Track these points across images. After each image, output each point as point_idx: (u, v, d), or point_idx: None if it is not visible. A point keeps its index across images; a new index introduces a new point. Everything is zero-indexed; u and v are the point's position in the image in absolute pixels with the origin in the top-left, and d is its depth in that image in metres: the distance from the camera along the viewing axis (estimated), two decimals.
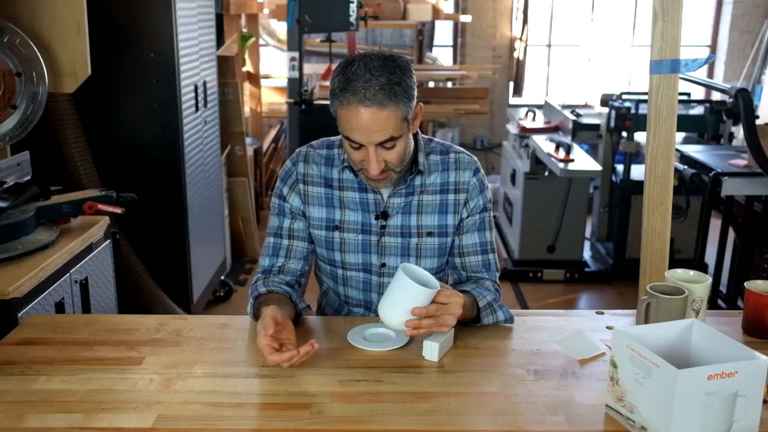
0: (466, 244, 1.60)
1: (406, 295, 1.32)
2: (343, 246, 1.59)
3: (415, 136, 1.56)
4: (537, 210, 4.33)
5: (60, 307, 1.97)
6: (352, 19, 4.40)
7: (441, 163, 1.59)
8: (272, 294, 1.50)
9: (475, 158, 1.62)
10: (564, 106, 5.05)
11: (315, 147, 1.62)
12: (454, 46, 6.73)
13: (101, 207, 2.16)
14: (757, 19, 6.40)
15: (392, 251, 1.58)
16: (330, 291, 1.70)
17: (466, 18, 6.20)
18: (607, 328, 1.51)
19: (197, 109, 3.34)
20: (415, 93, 1.43)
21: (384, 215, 1.57)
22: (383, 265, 1.59)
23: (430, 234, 1.58)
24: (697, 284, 1.43)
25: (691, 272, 1.47)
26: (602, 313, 1.60)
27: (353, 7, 4.37)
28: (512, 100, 6.64)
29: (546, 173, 4.20)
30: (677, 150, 3.67)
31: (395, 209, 1.57)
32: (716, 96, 5.17)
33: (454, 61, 6.66)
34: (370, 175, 1.47)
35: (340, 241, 1.59)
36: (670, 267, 1.57)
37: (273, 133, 6.05)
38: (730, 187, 3.19)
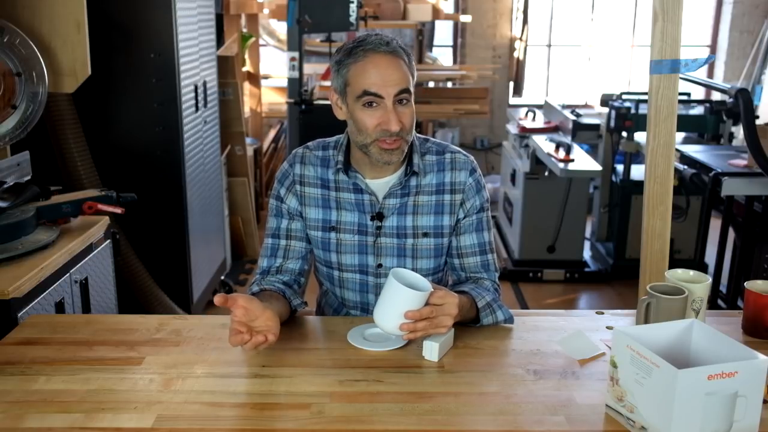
0: (465, 245, 1.60)
1: (398, 300, 1.32)
2: (339, 247, 1.59)
3: None
4: (537, 210, 4.33)
5: (60, 307, 1.97)
6: (352, 19, 4.41)
7: (437, 163, 1.59)
8: (264, 292, 1.50)
9: (472, 158, 1.62)
10: (564, 106, 5.05)
11: (311, 148, 1.62)
12: (454, 46, 6.73)
13: (101, 207, 2.16)
14: (757, 19, 6.40)
15: (388, 252, 1.58)
16: (329, 291, 1.70)
17: (466, 18, 6.20)
18: (607, 328, 1.51)
19: (197, 109, 3.34)
20: (415, 75, 1.52)
21: (379, 216, 1.56)
22: (379, 266, 1.59)
23: (425, 235, 1.58)
24: (697, 284, 1.43)
25: (691, 272, 1.47)
26: (602, 313, 1.60)
27: (353, 7, 4.37)
28: (512, 100, 6.64)
29: (546, 173, 4.20)
30: (677, 150, 3.67)
31: (390, 210, 1.57)
32: (716, 96, 5.17)
33: (454, 61, 6.66)
34: (389, 134, 1.45)
35: (337, 242, 1.59)
36: (670, 267, 1.57)
37: (273, 133, 6.05)
38: (730, 187, 3.19)
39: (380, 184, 1.57)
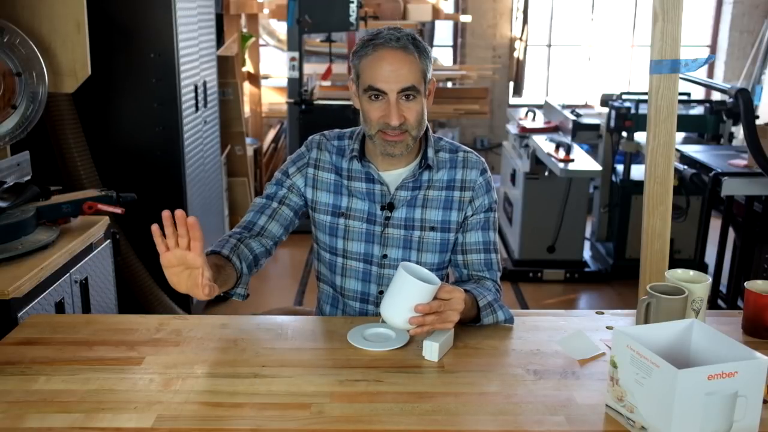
0: (469, 242, 1.61)
1: (409, 293, 1.32)
2: (346, 233, 1.61)
3: (426, 131, 1.61)
4: (537, 210, 4.33)
5: (60, 307, 1.97)
6: (352, 19, 4.41)
7: (449, 160, 1.62)
8: (228, 260, 1.45)
9: (483, 159, 1.66)
10: (564, 106, 5.05)
11: (328, 137, 1.66)
12: (454, 46, 6.73)
13: (101, 207, 2.16)
14: (757, 19, 6.40)
15: (394, 243, 1.60)
16: (327, 284, 1.70)
17: (466, 18, 6.20)
18: (607, 328, 1.51)
19: (197, 109, 3.34)
20: (432, 61, 1.52)
21: (390, 206, 1.59)
22: (384, 256, 1.61)
23: (432, 228, 1.60)
24: (697, 284, 1.43)
25: (691, 272, 1.47)
26: (602, 313, 1.60)
27: (353, 7, 4.38)
28: (512, 100, 6.65)
29: (546, 173, 4.20)
30: (677, 150, 3.67)
31: (401, 201, 1.59)
32: (716, 96, 5.17)
33: (454, 61, 6.66)
34: (390, 127, 1.47)
35: (345, 228, 1.61)
36: (670, 267, 1.57)
37: (273, 133, 6.05)
38: (730, 187, 3.19)
39: (393, 175, 1.60)
